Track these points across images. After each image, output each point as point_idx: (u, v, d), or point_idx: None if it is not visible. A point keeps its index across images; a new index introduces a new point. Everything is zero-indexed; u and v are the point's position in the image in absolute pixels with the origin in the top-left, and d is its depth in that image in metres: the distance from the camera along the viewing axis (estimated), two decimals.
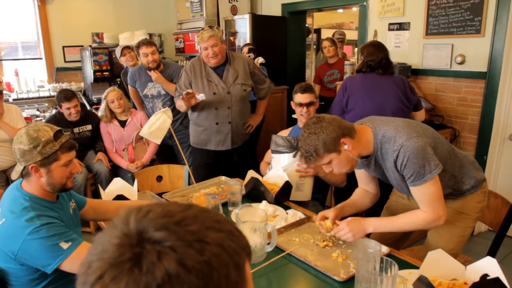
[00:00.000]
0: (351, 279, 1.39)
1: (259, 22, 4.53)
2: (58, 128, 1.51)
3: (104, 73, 4.50)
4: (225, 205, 2.06)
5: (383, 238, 1.84)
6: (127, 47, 3.97)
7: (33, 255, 1.35)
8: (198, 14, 4.89)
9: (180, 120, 3.47)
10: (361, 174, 1.86)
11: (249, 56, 3.77)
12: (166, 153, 3.68)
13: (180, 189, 2.37)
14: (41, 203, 1.46)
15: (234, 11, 5.00)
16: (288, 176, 2.12)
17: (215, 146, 2.83)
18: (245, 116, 2.91)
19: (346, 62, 3.79)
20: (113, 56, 4.53)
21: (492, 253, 1.87)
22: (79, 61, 4.90)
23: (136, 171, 3.07)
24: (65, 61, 4.94)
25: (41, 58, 4.87)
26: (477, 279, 1.20)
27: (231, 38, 4.70)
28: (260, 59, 3.98)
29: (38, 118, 3.95)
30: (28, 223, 1.35)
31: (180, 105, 2.71)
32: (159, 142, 2.31)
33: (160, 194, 2.25)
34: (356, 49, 5.39)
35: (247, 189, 2.18)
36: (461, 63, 3.30)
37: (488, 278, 1.19)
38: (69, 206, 1.65)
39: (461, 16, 3.23)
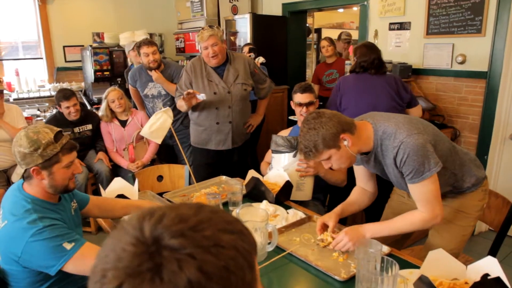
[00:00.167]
0: (352, 278, 1.39)
1: (259, 22, 4.53)
2: (58, 129, 1.49)
3: (105, 73, 4.50)
4: (225, 204, 2.06)
5: (384, 238, 1.83)
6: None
7: (36, 257, 1.34)
8: (199, 14, 4.89)
9: (180, 120, 3.47)
10: (360, 172, 1.84)
11: (250, 56, 3.76)
12: (166, 153, 3.68)
13: (181, 189, 2.37)
14: (43, 205, 1.46)
15: (234, 10, 5.00)
16: (288, 176, 2.12)
17: (215, 146, 2.83)
18: (246, 116, 2.91)
19: (346, 62, 3.79)
20: (114, 56, 4.54)
21: (493, 252, 1.87)
22: (80, 61, 4.91)
23: (137, 170, 3.07)
24: (66, 61, 4.94)
25: (41, 58, 4.87)
26: (478, 278, 1.20)
27: (232, 38, 4.70)
28: (261, 59, 3.98)
29: (38, 118, 3.95)
30: (31, 225, 1.35)
31: (181, 105, 2.71)
32: (159, 141, 2.31)
33: (160, 194, 2.25)
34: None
35: (248, 188, 2.18)
36: (462, 62, 3.30)
37: (489, 277, 1.19)
38: (71, 206, 1.64)
39: (461, 15, 3.23)
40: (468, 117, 3.36)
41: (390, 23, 3.76)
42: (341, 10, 7.31)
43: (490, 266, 1.25)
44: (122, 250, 0.49)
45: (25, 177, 1.47)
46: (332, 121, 1.49)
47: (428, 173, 1.47)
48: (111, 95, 3.34)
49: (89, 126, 3.47)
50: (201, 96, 2.58)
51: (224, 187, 2.31)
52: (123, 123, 3.44)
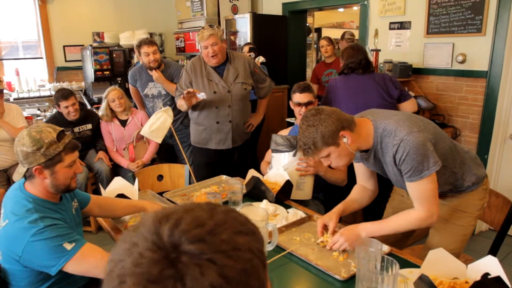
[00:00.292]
0: (352, 278, 1.39)
1: (259, 21, 4.53)
2: (61, 128, 1.50)
3: (105, 73, 4.50)
4: (226, 204, 2.06)
5: (384, 238, 1.82)
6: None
7: (37, 257, 1.34)
8: (199, 14, 4.89)
9: (180, 120, 3.47)
10: (360, 170, 1.83)
11: (250, 56, 3.76)
12: (166, 152, 3.68)
13: (181, 188, 2.37)
14: (44, 205, 1.46)
15: (234, 10, 5.00)
16: (288, 175, 2.12)
17: (215, 145, 2.83)
18: (246, 115, 2.91)
19: None
20: (114, 55, 4.54)
21: (493, 252, 1.86)
22: (80, 60, 4.91)
23: (137, 170, 3.07)
24: (66, 61, 4.94)
25: (41, 58, 4.87)
26: (478, 278, 1.20)
27: (232, 37, 4.70)
28: (261, 58, 3.97)
29: (39, 117, 3.95)
30: (32, 225, 1.35)
31: (181, 104, 2.71)
32: (159, 141, 2.31)
33: (160, 193, 2.25)
34: None
35: (248, 188, 2.18)
36: (462, 62, 3.29)
37: (489, 277, 1.19)
38: (72, 206, 1.64)
39: (462, 15, 3.23)
40: (468, 116, 3.36)
41: (390, 23, 3.76)
42: (341, 10, 7.31)
43: (491, 265, 1.25)
44: (140, 256, 0.48)
45: (27, 176, 1.47)
46: (331, 118, 1.48)
47: (427, 172, 1.45)
48: (111, 94, 3.34)
49: (89, 126, 3.47)
50: (201, 95, 2.58)
51: (224, 187, 2.31)
52: (123, 123, 3.44)
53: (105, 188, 2.10)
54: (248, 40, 4.43)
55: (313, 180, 2.26)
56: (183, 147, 2.65)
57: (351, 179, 2.04)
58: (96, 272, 1.37)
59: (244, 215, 0.58)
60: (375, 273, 1.26)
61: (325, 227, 1.70)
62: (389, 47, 3.79)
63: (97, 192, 3.29)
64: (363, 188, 1.85)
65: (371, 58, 3.53)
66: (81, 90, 4.80)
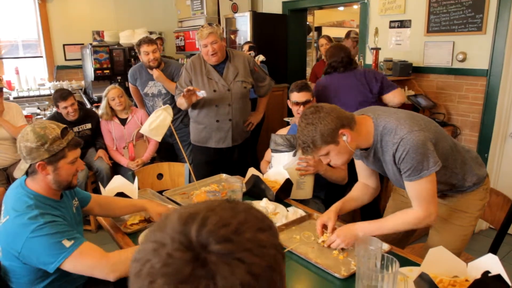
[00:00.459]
0: (352, 276, 1.39)
1: (259, 20, 4.53)
2: (64, 125, 1.51)
3: (105, 71, 4.49)
4: None
5: (385, 238, 1.81)
6: (158, 38, 4.04)
7: (36, 253, 1.35)
8: (199, 12, 4.88)
9: (180, 118, 3.46)
10: (361, 167, 1.80)
11: (250, 54, 3.76)
12: (166, 151, 3.68)
13: (181, 187, 2.37)
14: (45, 202, 1.46)
15: (234, 9, 4.99)
16: (288, 175, 2.12)
17: (215, 144, 2.83)
18: (246, 114, 2.91)
19: None
20: (114, 54, 4.53)
21: (493, 251, 1.86)
22: (80, 59, 4.90)
23: (137, 169, 3.07)
24: (66, 59, 4.94)
25: (41, 56, 4.87)
26: (478, 276, 1.19)
27: (232, 36, 4.70)
28: (261, 57, 3.97)
29: (38, 116, 3.95)
30: (32, 221, 1.35)
31: (181, 102, 2.70)
32: (159, 139, 2.31)
33: (160, 192, 2.25)
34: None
35: (248, 186, 2.18)
36: (463, 60, 3.29)
37: (489, 275, 1.18)
38: (72, 204, 1.65)
39: (462, 13, 3.22)
40: (469, 115, 3.35)
41: (391, 21, 3.75)
42: (341, 8, 7.30)
43: (491, 263, 1.24)
44: (168, 256, 0.50)
45: (30, 172, 1.48)
46: (330, 116, 1.46)
47: (426, 172, 1.44)
48: (111, 93, 3.34)
49: (88, 125, 3.46)
50: (201, 93, 2.57)
51: (224, 185, 2.31)
52: (123, 121, 3.43)
53: (104, 187, 2.10)
54: (248, 39, 4.43)
55: (313, 179, 2.26)
56: (183, 145, 2.64)
57: (352, 178, 2.04)
58: (94, 271, 1.37)
59: (260, 211, 0.60)
60: (375, 271, 1.26)
61: (325, 226, 1.69)
62: (389, 46, 3.79)
63: (97, 191, 3.29)
64: (364, 186, 1.83)
65: (371, 56, 3.54)
66: (81, 89, 4.79)
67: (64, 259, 1.34)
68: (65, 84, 4.68)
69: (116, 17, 5.18)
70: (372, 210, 2.24)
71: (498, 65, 3.09)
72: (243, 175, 2.36)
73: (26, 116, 3.49)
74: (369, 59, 3.82)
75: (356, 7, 5.82)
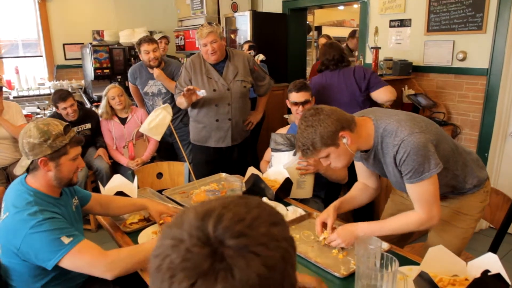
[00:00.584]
0: (352, 275, 1.39)
1: (259, 19, 4.52)
2: (66, 123, 1.53)
3: (105, 71, 4.49)
4: None
5: (385, 237, 1.80)
6: (164, 37, 4.06)
7: (34, 249, 1.35)
8: (199, 11, 4.88)
9: (180, 118, 3.46)
10: (362, 169, 1.79)
11: (250, 53, 3.75)
12: (166, 150, 3.68)
13: (180, 186, 2.37)
14: (44, 199, 1.47)
15: (234, 8, 4.99)
16: (288, 174, 2.11)
17: (215, 143, 2.83)
18: (245, 113, 2.90)
19: None
20: (114, 53, 4.53)
21: (493, 250, 1.85)
22: (80, 58, 4.90)
23: (137, 168, 3.06)
24: (66, 59, 4.93)
25: (41, 56, 4.86)
26: (478, 275, 1.19)
27: (232, 35, 4.69)
28: (261, 56, 3.96)
29: (38, 116, 3.95)
30: (31, 217, 1.36)
31: (181, 102, 2.70)
32: (158, 138, 2.31)
33: (160, 191, 2.25)
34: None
35: (248, 185, 2.17)
36: (463, 59, 3.29)
37: (489, 274, 1.18)
38: (72, 203, 1.65)
39: (462, 12, 3.22)
40: (469, 114, 3.35)
41: (391, 20, 3.75)
42: (341, 8, 7.31)
43: (491, 262, 1.24)
44: (187, 251, 0.53)
45: (31, 169, 1.49)
46: (330, 119, 1.44)
47: (428, 174, 1.43)
48: (111, 92, 3.34)
49: (88, 125, 3.46)
50: (201, 93, 2.57)
51: (224, 184, 2.31)
52: (123, 121, 3.43)
53: (104, 186, 2.10)
54: (248, 38, 4.42)
55: (313, 178, 2.26)
56: (182, 145, 2.64)
57: (352, 177, 2.03)
58: (92, 269, 1.37)
59: (271, 205, 0.63)
60: (374, 270, 1.26)
61: (325, 225, 1.69)
62: (389, 45, 3.78)
63: (96, 190, 3.29)
64: (364, 186, 1.83)
65: (371, 55, 3.53)
66: (81, 89, 4.79)
67: (63, 256, 1.34)
68: (65, 84, 4.68)
69: (116, 17, 5.18)
70: (364, 211, 2.23)
71: (498, 64, 3.08)
72: (243, 175, 2.36)
73: (26, 116, 3.49)
74: (369, 58, 3.81)
75: (356, 6, 5.82)
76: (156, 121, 2.20)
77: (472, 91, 3.30)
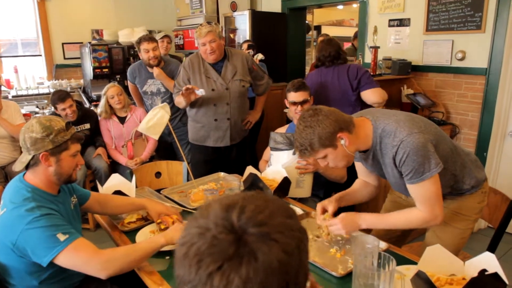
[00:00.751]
0: (349, 274, 1.38)
1: (258, 19, 4.52)
2: (67, 120, 1.57)
3: (104, 70, 4.49)
4: None
5: (384, 237, 1.80)
6: (166, 36, 4.05)
7: (30, 245, 1.35)
8: (198, 11, 4.88)
9: (179, 117, 3.46)
10: (361, 169, 1.80)
11: (249, 53, 3.75)
12: (165, 150, 3.67)
13: (179, 185, 2.37)
14: (42, 195, 1.48)
15: (233, 7, 4.98)
16: (287, 173, 2.11)
17: (213, 143, 2.82)
18: (244, 113, 2.90)
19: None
20: (113, 53, 4.53)
21: (491, 250, 1.85)
22: (79, 58, 4.89)
23: (135, 167, 3.06)
24: (65, 58, 4.93)
25: (40, 55, 4.86)
26: (475, 274, 1.19)
27: (231, 34, 4.69)
28: (260, 56, 3.96)
29: (37, 115, 3.94)
30: (28, 212, 1.37)
31: (180, 101, 2.69)
32: (156, 137, 2.31)
33: (158, 190, 2.25)
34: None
35: (246, 185, 2.17)
36: (462, 59, 3.29)
37: (486, 273, 1.18)
38: (70, 201, 1.65)
39: (461, 12, 3.22)
40: (468, 113, 3.35)
41: (390, 20, 3.75)
42: (340, 7, 7.30)
43: (488, 262, 1.24)
44: (214, 238, 0.58)
45: (31, 164, 1.51)
46: (329, 119, 1.44)
47: (428, 174, 1.43)
48: (110, 91, 3.33)
49: (87, 126, 3.45)
50: (200, 92, 2.57)
51: (222, 184, 2.31)
52: (122, 120, 3.43)
53: (102, 185, 2.10)
54: (247, 38, 4.42)
55: (312, 177, 2.25)
56: (181, 144, 2.64)
57: (351, 176, 2.03)
58: (86, 267, 1.37)
59: (283, 201, 0.71)
60: (371, 269, 1.26)
61: (325, 211, 1.69)
62: (388, 44, 3.78)
63: (95, 189, 3.28)
64: (364, 183, 1.83)
65: (370, 55, 3.53)
66: (80, 88, 4.79)
67: (58, 253, 1.34)
68: (64, 83, 4.68)
69: (115, 16, 5.18)
70: (365, 211, 2.23)
71: (497, 63, 3.08)
72: (242, 174, 2.35)
73: (24, 115, 3.49)
74: (368, 58, 3.81)
75: (355, 5, 5.82)
76: (154, 120, 2.20)
77: (471, 90, 3.30)
